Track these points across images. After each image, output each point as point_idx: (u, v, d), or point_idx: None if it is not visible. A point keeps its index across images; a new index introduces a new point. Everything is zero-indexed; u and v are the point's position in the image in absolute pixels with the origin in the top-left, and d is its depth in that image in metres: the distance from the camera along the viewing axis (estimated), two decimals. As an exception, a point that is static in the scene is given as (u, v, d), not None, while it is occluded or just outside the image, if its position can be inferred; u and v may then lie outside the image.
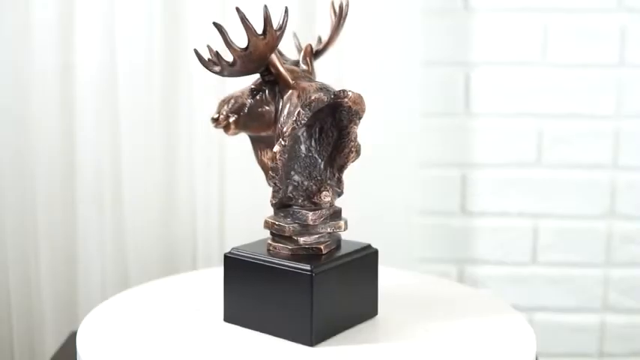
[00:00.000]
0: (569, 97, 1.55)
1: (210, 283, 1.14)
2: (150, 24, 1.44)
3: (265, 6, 0.91)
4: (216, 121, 0.98)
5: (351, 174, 1.48)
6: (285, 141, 0.93)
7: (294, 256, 0.95)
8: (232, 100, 0.98)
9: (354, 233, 1.46)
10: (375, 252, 1.02)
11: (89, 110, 1.45)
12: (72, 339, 1.28)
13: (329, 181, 0.98)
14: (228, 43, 0.91)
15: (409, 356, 0.91)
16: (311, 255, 0.96)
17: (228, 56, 0.93)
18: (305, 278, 0.92)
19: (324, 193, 0.97)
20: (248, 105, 0.97)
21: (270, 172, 0.94)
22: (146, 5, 1.43)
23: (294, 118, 0.93)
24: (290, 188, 0.96)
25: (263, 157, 1.00)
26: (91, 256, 1.49)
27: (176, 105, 1.47)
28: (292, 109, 0.94)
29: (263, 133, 0.98)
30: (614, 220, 1.58)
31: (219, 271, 1.17)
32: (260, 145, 1.00)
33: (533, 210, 1.58)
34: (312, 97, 0.94)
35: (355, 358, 0.90)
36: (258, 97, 0.97)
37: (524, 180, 1.58)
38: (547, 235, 1.59)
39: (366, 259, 1.00)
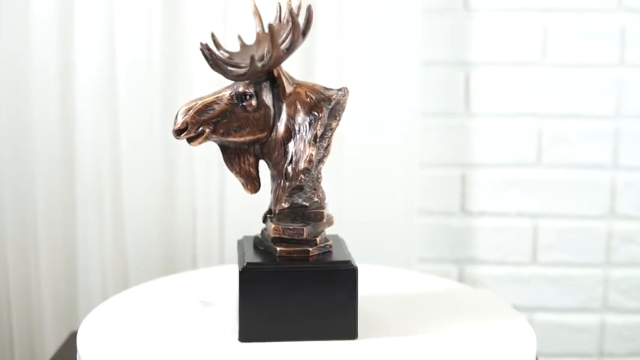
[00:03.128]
0: (569, 97, 1.55)
1: (209, 283, 1.14)
2: (150, 23, 1.44)
3: (309, 6, 0.90)
4: (182, 132, 0.92)
5: (351, 174, 1.49)
6: (317, 142, 0.93)
7: (316, 256, 0.95)
8: (203, 107, 0.92)
9: (354, 233, 1.46)
10: (342, 239, 1.05)
11: (89, 110, 1.45)
12: (72, 339, 1.28)
13: (317, 178, 0.98)
14: (276, 43, 0.89)
15: (410, 356, 0.91)
16: (325, 252, 0.97)
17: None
18: (350, 274, 0.93)
19: (320, 190, 0.97)
20: (235, 111, 0.92)
21: (301, 175, 0.93)
22: (146, 5, 1.43)
23: (319, 118, 0.93)
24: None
25: (244, 165, 0.96)
26: (91, 256, 1.48)
27: (176, 104, 1.47)
28: (309, 110, 0.93)
29: (249, 138, 0.94)
30: (614, 220, 1.58)
31: (219, 270, 1.17)
32: (238, 152, 0.96)
33: (533, 210, 1.58)
34: (331, 96, 0.94)
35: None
36: (248, 102, 0.93)
37: (524, 180, 1.57)
38: (547, 235, 1.58)
39: (346, 247, 1.03)
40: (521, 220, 1.59)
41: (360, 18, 1.45)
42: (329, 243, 0.97)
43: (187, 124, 0.91)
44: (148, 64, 1.45)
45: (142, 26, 1.44)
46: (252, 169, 0.97)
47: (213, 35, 0.95)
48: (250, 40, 0.99)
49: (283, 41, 0.93)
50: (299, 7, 0.96)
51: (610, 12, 1.52)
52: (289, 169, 0.93)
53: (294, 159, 0.93)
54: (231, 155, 0.97)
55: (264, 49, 0.94)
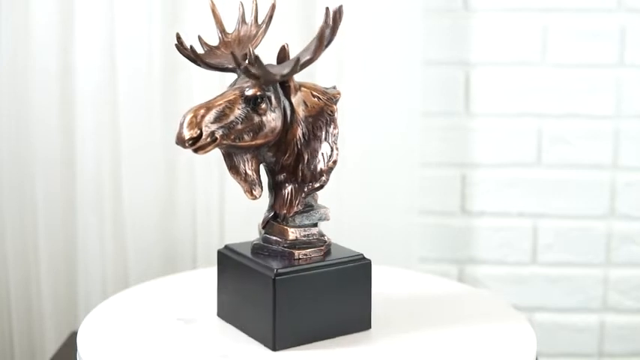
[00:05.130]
0: (569, 97, 1.55)
1: (209, 282, 1.14)
2: (150, 25, 1.44)
3: (341, 6, 0.90)
4: (196, 140, 0.85)
5: (351, 174, 1.48)
6: (337, 141, 0.93)
7: (326, 255, 0.96)
8: (215, 113, 0.87)
9: (354, 233, 1.46)
10: None
11: (89, 111, 1.45)
12: (72, 339, 1.28)
13: None
14: (323, 45, 0.86)
15: (410, 355, 0.91)
16: (329, 250, 0.97)
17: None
18: (365, 267, 0.95)
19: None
20: (247, 115, 0.89)
21: (325, 175, 0.93)
22: (146, 6, 1.43)
23: (334, 117, 0.93)
24: None
25: (248, 170, 0.93)
26: (91, 256, 1.49)
27: (176, 105, 1.47)
28: (321, 110, 0.93)
29: (260, 142, 0.90)
30: (614, 220, 1.58)
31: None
32: (243, 157, 0.92)
33: (533, 210, 1.58)
34: (335, 95, 0.94)
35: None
36: (259, 105, 0.89)
37: (524, 180, 1.57)
38: (547, 235, 1.59)
39: None
40: (521, 220, 1.59)
41: (360, 18, 1.45)
42: (329, 240, 0.98)
43: (201, 131, 0.86)
44: (149, 65, 1.45)
45: (142, 28, 1.44)
46: (255, 175, 0.93)
47: (179, 37, 0.94)
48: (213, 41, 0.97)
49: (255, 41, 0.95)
50: (273, 7, 0.97)
51: (610, 12, 1.52)
52: (307, 170, 0.92)
53: (311, 160, 0.93)
54: (236, 161, 0.93)
55: (238, 49, 0.94)
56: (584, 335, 1.60)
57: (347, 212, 1.47)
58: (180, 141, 0.85)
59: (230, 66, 0.93)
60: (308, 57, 0.86)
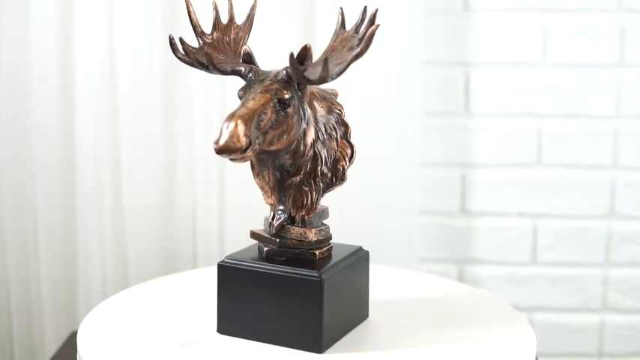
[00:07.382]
0: (569, 97, 1.55)
1: (209, 282, 1.14)
2: (149, 25, 1.44)
3: (365, 7, 0.88)
4: (245, 151, 0.80)
5: (351, 174, 1.48)
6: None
7: (332, 251, 0.97)
8: (256, 119, 0.83)
9: (354, 233, 1.46)
10: None
11: (89, 111, 1.45)
12: (72, 339, 1.28)
13: None
14: (369, 45, 0.84)
15: (410, 356, 0.91)
16: (330, 246, 0.98)
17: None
18: (365, 258, 1.00)
19: None
20: (278, 118, 0.85)
21: (346, 173, 0.93)
22: (146, 6, 1.43)
23: (343, 115, 0.94)
24: None
25: (271, 175, 0.91)
26: (91, 257, 1.49)
27: (176, 106, 1.47)
28: (329, 109, 0.93)
29: (286, 145, 0.87)
30: (614, 220, 1.58)
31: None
32: (268, 161, 0.90)
33: (533, 210, 1.58)
34: (335, 94, 0.95)
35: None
36: (289, 108, 0.86)
37: (524, 180, 1.57)
38: (547, 235, 1.58)
39: None
40: (521, 220, 1.59)
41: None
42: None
43: (250, 140, 0.81)
44: (149, 65, 1.45)
45: (142, 28, 1.44)
46: (273, 179, 0.92)
47: (171, 38, 0.93)
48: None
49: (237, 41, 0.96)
50: (254, 6, 0.97)
51: (610, 12, 1.52)
52: (327, 170, 0.92)
53: (329, 160, 0.93)
54: (262, 166, 0.91)
55: (228, 51, 0.94)
56: (584, 335, 1.60)
57: (347, 212, 1.47)
58: (229, 151, 0.80)
59: (241, 69, 0.91)
60: (356, 52, 0.83)
